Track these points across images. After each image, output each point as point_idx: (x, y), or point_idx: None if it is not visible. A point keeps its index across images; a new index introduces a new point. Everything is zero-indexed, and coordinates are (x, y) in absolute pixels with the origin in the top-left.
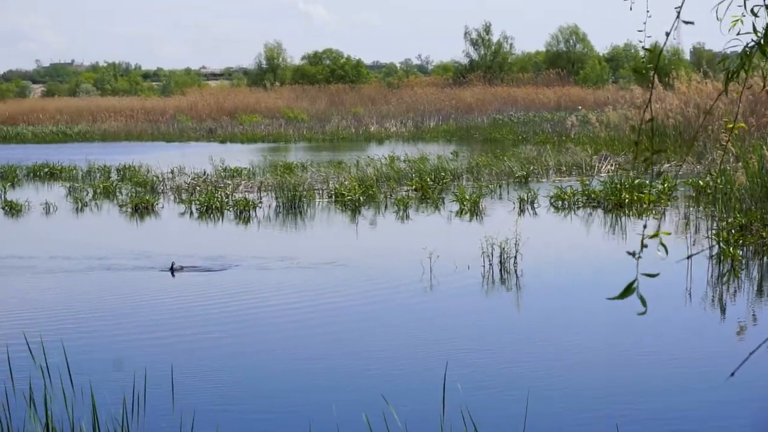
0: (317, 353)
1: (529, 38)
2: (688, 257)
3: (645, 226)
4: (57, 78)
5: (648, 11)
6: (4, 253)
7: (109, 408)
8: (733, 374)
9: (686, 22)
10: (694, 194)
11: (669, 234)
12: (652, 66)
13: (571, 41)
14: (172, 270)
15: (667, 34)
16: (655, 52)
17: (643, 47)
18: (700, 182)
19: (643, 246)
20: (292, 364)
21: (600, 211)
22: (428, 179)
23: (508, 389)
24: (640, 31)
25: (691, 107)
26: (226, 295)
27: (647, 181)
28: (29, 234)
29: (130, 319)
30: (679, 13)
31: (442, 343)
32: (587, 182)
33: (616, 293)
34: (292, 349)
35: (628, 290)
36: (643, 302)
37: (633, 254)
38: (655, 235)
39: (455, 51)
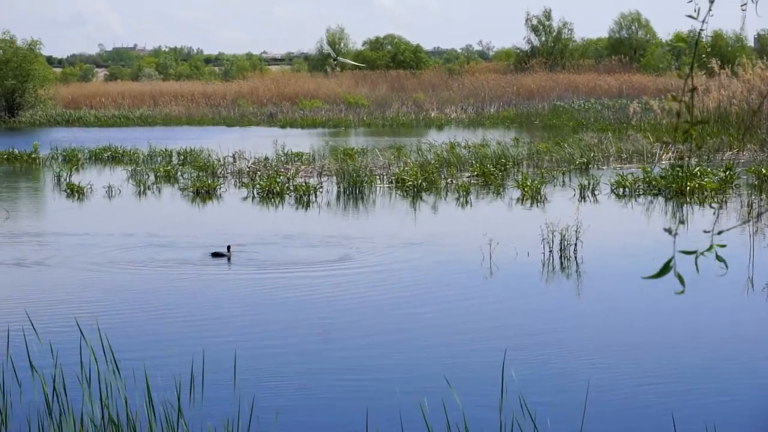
0: (377, 339)
1: (591, 25)
2: (719, 233)
3: (679, 209)
4: (119, 62)
5: None
6: (66, 236)
7: (164, 392)
8: None
9: None
10: (756, 182)
11: (724, 246)
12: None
13: (633, 28)
14: (225, 254)
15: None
16: (693, 35)
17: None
18: (763, 170)
19: (681, 222)
20: (352, 349)
21: (661, 199)
22: (490, 166)
23: (568, 376)
24: (690, 16)
25: (754, 94)
26: (285, 281)
27: (707, 168)
28: (92, 217)
29: (190, 304)
30: None
31: (502, 330)
32: (649, 169)
33: (678, 282)
34: (351, 335)
35: (665, 269)
36: (681, 281)
37: (669, 231)
38: (710, 249)
39: (516, 37)
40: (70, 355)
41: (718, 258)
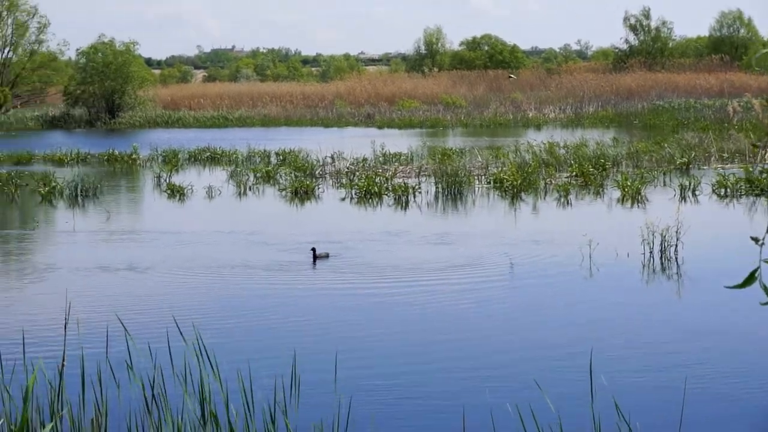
0: (473, 339)
1: (691, 23)
2: None
3: None
4: (218, 63)
5: None
6: (166, 236)
7: (262, 393)
8: None
9: None
10: None
11: None
12: None
13: (735, 26)
14: (315, 257)
15: None
16: None
17: None
18: None
19: None
20: (447, 350)
21: (764, 199)
22: (589, 166)
23: (665, 379)
24: None
25: None
26: (383, 282)
27: None
28: (192, 218)
29: (288, 306)
30: None
31: (600, 331)
32: (750, 169)
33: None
34: (446, 335)
35: (750, 279)
36: (767, 291)
37: (756, 240)
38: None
39: (614, 36)
40: (168, 355)
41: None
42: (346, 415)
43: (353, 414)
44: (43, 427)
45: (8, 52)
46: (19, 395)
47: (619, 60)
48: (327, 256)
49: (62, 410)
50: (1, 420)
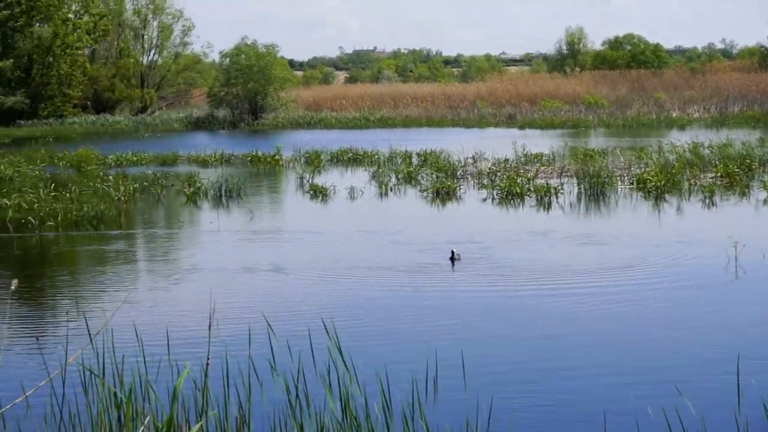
0: (613, 340)
1: None
2: None
3: None
4: (359, 64)
5: None
6: (309, 237)
7: (401, 392)
8: None
9: None
10: None
11: None
12: None
13: None
14: (453, 259)
15: None
16: None
17: None
18: None
19: None
20: (589, 353)
21: None
22: (734, 166)
23: None
24: None
25: None
26: (523, 283)
27: None
28: (335, 219)
29: (425, 305)
30: None
31: (745, 334)
32: None
33: None
34: (589, 338)
35: None
36: None
37: None
38: None
39: (760, 35)
40: (310, 355)
41: None
42: (486, 418)
43: (492, 417)
44: (188, 426)
45: (154, 55)
46: (164, 394)
47: (765, 59)
48: (459, 258)
49: (208, 409)
50: (148, 418)
